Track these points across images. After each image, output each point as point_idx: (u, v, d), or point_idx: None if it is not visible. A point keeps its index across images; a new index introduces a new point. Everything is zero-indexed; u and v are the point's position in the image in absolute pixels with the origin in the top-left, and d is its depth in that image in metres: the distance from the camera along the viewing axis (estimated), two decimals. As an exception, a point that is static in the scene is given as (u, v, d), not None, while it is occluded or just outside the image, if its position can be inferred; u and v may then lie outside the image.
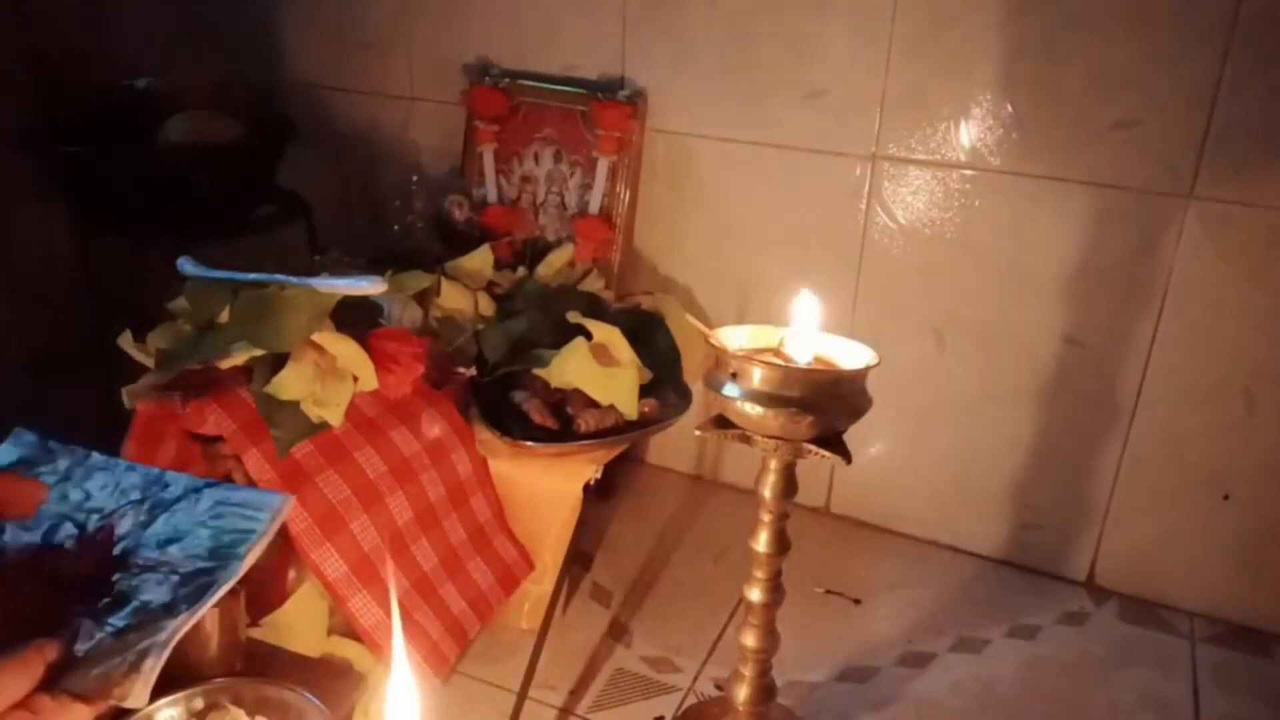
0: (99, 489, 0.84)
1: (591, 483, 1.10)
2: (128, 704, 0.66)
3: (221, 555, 0.77)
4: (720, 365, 0.81)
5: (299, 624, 0.95)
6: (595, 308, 1.24)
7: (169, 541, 0.79)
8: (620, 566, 1.30)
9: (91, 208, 1.39)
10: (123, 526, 0.81)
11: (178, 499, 0.82)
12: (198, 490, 0.83)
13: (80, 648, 0.69)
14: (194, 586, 0.74)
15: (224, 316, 1.01)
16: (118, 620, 0.72)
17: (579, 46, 1.37)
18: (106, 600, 0.74)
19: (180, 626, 0.71)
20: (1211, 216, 1.10)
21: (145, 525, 0.81)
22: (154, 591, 0.74)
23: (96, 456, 0.87)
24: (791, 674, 1.10)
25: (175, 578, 0.75)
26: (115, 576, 0.76)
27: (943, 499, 1.36)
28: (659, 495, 1.47)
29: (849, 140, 1.25)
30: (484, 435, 1.11)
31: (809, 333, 0.85)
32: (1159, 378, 1.18)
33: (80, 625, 0.71)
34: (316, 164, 1.54)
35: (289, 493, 0.92)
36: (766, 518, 0.87)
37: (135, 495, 0.83)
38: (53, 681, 0.65)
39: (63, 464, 0.86)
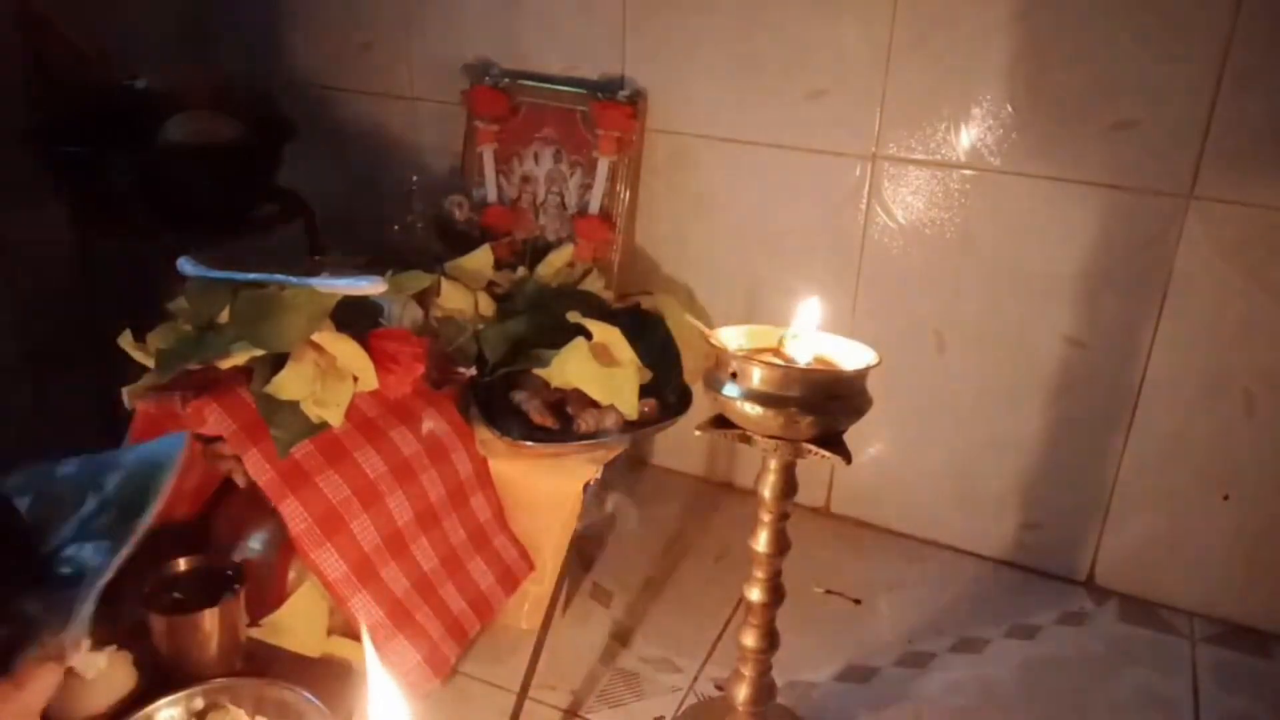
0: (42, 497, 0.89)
1: (591, 483, 1.10)
2: (70, 662, 0.69)
3: (138, 508, 0.81)
4: (720, 365, 0.81)
5: (299, 624, 0.95)
6: (595, 308, 1.24)
7: (100, 513, 0.82)
8: (620, 566, 1.30)
9: (91, 208, 1.39)
10: (67, 515, 0.85)
11: (106, 475, 0.86)
12: (116, 461, 0.87)
13: (29, 628, 0.72)
14: (118, 541, 0.78)
15: (224, 316, 1.01)
16: (59, 591, 0.75)
17: (579, 46, 1.37)
18: (51, 574, 0.78)
19: (101, 578, 0.74)
20: (1211, 216, 1.10)
21: (79, 506, 0.85)
22: (91, 557, 0.77)
23: (40, 470, 0.92)
24: (791, 674, 1.10)
25: (107, 542, 0.78)
26: (63, 554, 0.80)
27: (943, 499, 1.36)
28: (659, 495, 1.47)
29: (849, 140, 1.25)
30: (484, 435, 1.11)
31: (809, 333, 0.85)
32: (1159, 378, 1.18)
33: (26, 605, 0.74)
34: (316, 164, 1.54)
35: (288, 493, 0.92)
36: (766, 518, 0.87)
37: (70, 489, 0.87)
38: (12, 661, 0.67)
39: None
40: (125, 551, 0.77)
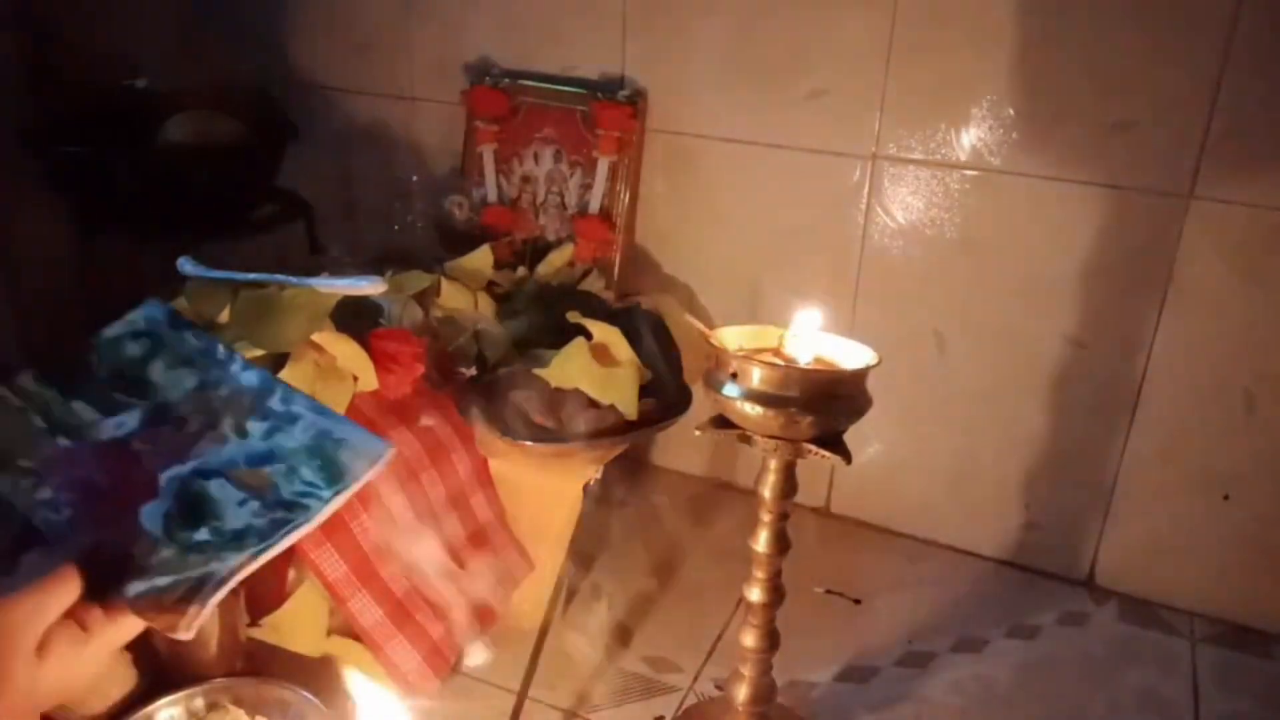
0: (208, 383, 0.77)
1: (591, 483, 1.10)
2: (174, 635, 0.61)
3: (305, 495, 0.69)
4: (720, 365, 0.81)
5: (299, 624, 0.95)
6: (595, 308, 1.24)
7: (263, 461, 0.71)
8: (620, 566, 1.30)
9: (91, 208, 1.39)
10: (223, 428, 0.74)
11: (285, 417, 0.75)
12: (305, 413, 0.75)
13: (144, 555, 0.65)
14: (268, 521, 0.67)
15: (224, 316, 1.01)
16: (188, 535, 0.66)
17: (579, 46, 1.37)
18: (180, 506, 0.68)
19: (243, 566, 0.65)
20: (1211, 216, 1.10)
21: (245, 435, 0.74)
22: (232, 514, 0.67)
23: (221, 350, 0.80)
24: (791, 674, 1.10)
25: (255, 504, 0.68)
26: (196, 481, 0.70)
27: (943, 499, 1.36)
28: (659, 495, 1.47)
29: (849, 140, 1.25)
30: (484, 435, 1.11)
31: (809, 333, 0.85)
32: (1159, 377, 1.18)
33: (146, 530, 0.66)
34: (316, 164, 1.54)
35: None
36: (766, 518, 0.87)
37: (245, 400, 0.76)
38: (110, 587, 0.62)
39: (186, 347, 0.80)
40: (273, 550, 0.68)
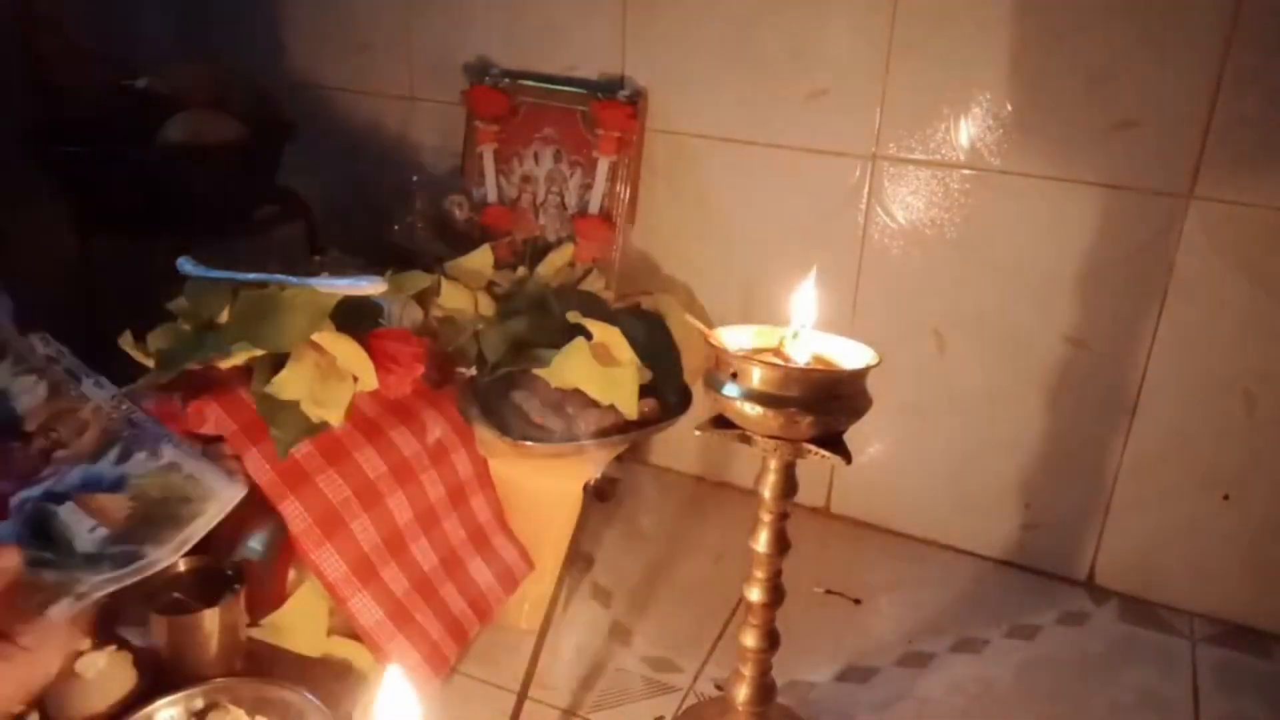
0: (58, 394, 0.78)
1: (591, 483, 1.10)
2: (23, 645, 0.62)
3: (155, 530, 0.71)
4: (720, 365, 0.81)
5: (299, 624, 0.95)
6: (595, 308, 1.24)
7: (112, 487, 0.72)
8: (620, 566, 1.30)
9: (92, 208, 1.39)
10: (74, 446, 0.75)
11: (134, 443, 0.75)
12: (157, 442, 0.77)
13: None
14: (119, 552, 0.68)
15: (224, 316, 1.01)
16: (40, 555, 0.66)
17: (579, 46, 1.37)
18: (31, 528, 0.69)
19: (99, 587, 0.66)
20: (1211, 216, 1.10)
21: (93, 458, 0.75)
22: (82, 539, 0.68)
23: (71, 362, 0.81)
24: (791, 674, 1.10)
25: (103, 532, 0.69)
26: (47, 505, 0.70)
27: (943, 499, 1.36)
28: (659, 495, 1.47)
29: (849, 140, 1.25)
30: (484, 435, 1.11)
31: (809, 333, 0.85)
32: (1159, 377, 1.18)
33: None
34: (316, 164, 1.54)
35: (288, 493, 0.90)
36: (766, 518, 0.87)
37: (98, 419, 0.77)
38: None
39: (33, 355, 0.81)
40: (126, 581, 0.69)
